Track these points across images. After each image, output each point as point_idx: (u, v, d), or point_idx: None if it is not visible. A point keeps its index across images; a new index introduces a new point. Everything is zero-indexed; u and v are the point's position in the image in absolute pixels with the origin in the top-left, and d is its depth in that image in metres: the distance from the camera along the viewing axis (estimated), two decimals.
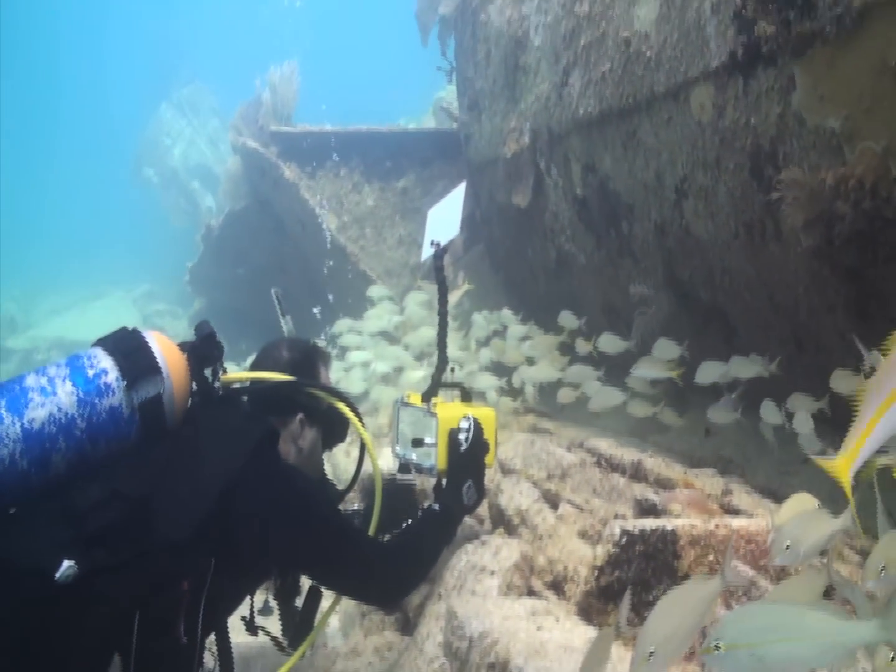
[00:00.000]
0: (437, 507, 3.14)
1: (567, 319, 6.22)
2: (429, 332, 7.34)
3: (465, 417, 3.37)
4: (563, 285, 7.09)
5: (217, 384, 2.74)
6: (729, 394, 4.61)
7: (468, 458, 3.31)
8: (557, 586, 3.20)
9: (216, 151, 29.71)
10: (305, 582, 2.90)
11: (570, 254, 6.67)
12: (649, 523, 3.04)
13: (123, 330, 2.56)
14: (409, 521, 3.19)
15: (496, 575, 3.13)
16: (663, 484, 3.90)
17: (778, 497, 4.10)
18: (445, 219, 3.71)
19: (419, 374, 6.96)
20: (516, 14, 6.69)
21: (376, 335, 7.98)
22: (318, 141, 10.70)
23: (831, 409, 4.02)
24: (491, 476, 4.11)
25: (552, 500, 3.87)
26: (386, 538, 3.12)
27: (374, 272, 10.05)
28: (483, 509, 3.90)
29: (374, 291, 8.64)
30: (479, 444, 3.34)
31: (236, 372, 2.93)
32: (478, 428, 3.35)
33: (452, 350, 6.77)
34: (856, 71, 3.31)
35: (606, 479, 4.13)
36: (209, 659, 2.53)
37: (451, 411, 3.41)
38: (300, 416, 2.96)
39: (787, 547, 2.23)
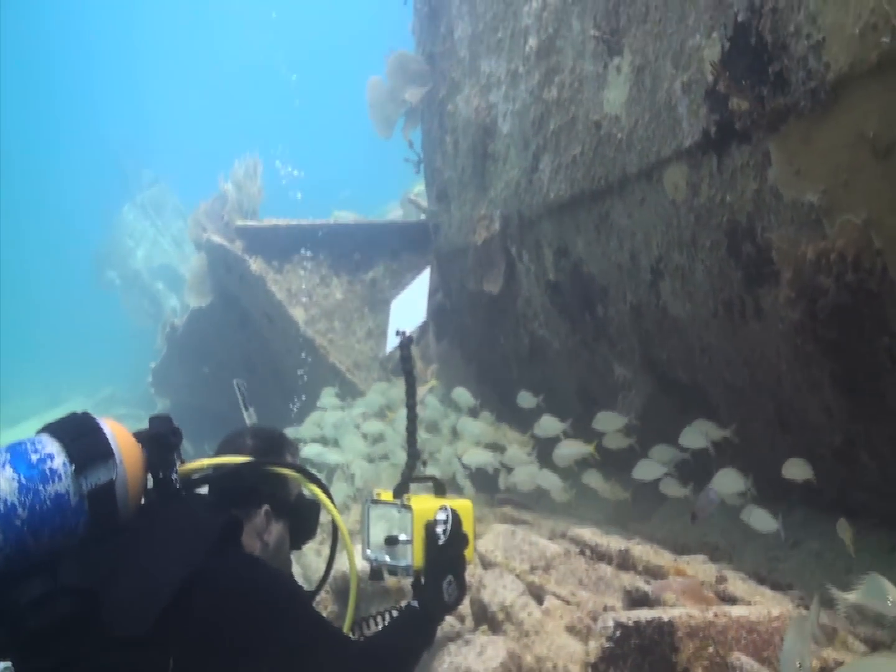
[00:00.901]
0: (416, 604, 2.91)
1: (525, 399, 6.33)
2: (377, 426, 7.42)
3: (442, 508, 3.14)
4: (537, 372, 6.98)
5: (174, 475, 2.54)
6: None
7: (447, 551, 3.06)
8: None
9: (180, 252, 29.63)
10: None
11: (543, 339, 6.59)
12: (644, 614, 2.87)
13: (73, 414, 2.36)
14: (384, 617, 2.96)
15: None
16: (653, 572, 3.72)
17: (767, 583, 3.94)
18: (411, 306, 3.58)
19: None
20: (483, 103, 6.75)
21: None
22: (285, 235, 10.67)
23: None
24: (471, 570, 3.91)
25: (536, 593, 3.67)
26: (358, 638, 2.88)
27: (343, 364, 9.90)
28: (464, 606, 3.67)
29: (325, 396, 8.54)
30: (458, 537, 3.10)
31: (195, 461, 2.73)
32: (456, 519, 3.13)
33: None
34: (832, 144, 3.30)
35: (592, 570, 3.94)
36: None
37: (425, 503, 3.20)
38: (266, 507, 2.75)
39: (800, 666, 2.16)
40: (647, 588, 3.32)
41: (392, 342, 3.52)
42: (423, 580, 3.06)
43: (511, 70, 6.31)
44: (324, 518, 2.98)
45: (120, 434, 2.32)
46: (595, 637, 2.86)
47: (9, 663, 1.92)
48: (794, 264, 3.62)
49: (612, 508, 6.15)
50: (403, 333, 3.46)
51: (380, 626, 2.92)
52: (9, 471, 2.11)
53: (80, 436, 2.24)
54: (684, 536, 5.24)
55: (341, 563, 4.21)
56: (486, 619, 3.53)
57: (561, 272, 5.94)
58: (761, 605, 3.05)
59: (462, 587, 3.10)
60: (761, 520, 4.13)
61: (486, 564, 4.19)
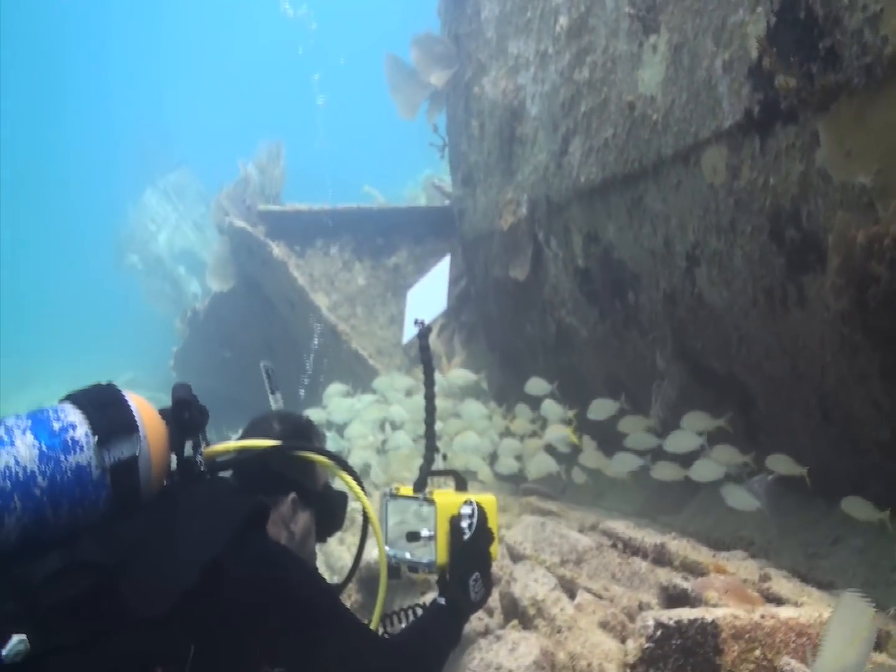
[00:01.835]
0: (442, 601, 2.79)
1: (536, 387, 6.38)
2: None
3: (467, 503, 3.02)
4: (563, 361, 6.85)
5: (199, 456, 2.43)
6: (761, 475, 4.33)
7: (473, 547, 2.94)
8: None
9: (202, 237, 29.58)
10: None
11: (571, 327, 6.46)
12: (686, 614, 2.75)
13: (97, 385, 2.26)
14: (411, 613, 2.85)
15: None
16: (691, 569, 3.59)
17: (811, 581, 3.79)
18: (430, 294, 3.46)
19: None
20: (511, 85, 6.61)
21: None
22: (308, 220, 10.58)
23: None
24: (500, 563, 3.79)
25: (568, 588, 3.55)
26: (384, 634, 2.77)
27: (366, 351, 9.80)
28: (492, 600, 3.55)
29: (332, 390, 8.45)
30: (483, 532, 2.98)
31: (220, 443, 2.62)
32: (482, 514, 3.00)
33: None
34: (887, 123, 3.14)
35: (626, 564, 3.83)
36: None
37: (449, 498, 3.08)
38: (293, 495, 2.65)
39: None
40: (685, 585, 3.19)
41: (409, 332, 3.39)
42: (448, 577, 2.93)
43: (540, 51, 6.15)
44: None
45: (144, 409, 2.23)
46: (634, 636, 2.74)
47: (24, 636, 1.82)
48: (843, 250, 3.46)
49: (642, 500, 6.02)
50: (422, 322, 3.33)
51: (405, 624, 2.82)
52: (29, 437, 2.01)
53: (104, 406, 2.14)
54: (717, 530, 5.09)
55: (366, 553, 4.12)
56: (517, 613, 3.41)
57: (590, 258, 5.80)
58: (810, 606, 2.91)
59: (488, 584, 2.97)
60: (740, 499, 4.21)
61: (515, 557, 4.07)
